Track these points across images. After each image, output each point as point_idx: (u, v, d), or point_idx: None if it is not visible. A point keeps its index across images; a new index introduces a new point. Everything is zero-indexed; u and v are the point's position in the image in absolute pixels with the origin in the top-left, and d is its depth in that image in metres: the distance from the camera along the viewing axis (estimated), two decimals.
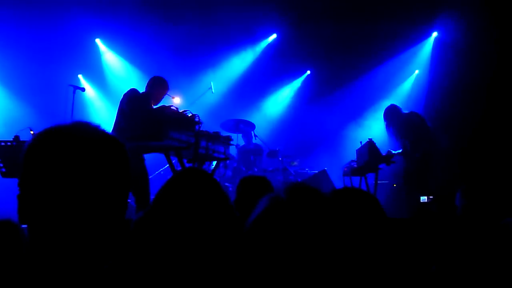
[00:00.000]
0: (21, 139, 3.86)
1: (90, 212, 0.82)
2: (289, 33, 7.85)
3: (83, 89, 5.70)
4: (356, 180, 5.66)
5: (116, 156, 0.89)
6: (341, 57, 7.54)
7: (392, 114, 5.11)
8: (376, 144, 5.07)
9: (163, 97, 4.54)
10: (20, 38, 7.03)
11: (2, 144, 3.84)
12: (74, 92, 5.26)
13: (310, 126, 8.03)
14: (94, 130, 0.88)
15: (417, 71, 8.18)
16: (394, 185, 6.56)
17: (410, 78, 8.26)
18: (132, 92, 4.23)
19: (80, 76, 8.00)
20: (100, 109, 8.10)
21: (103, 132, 0.89)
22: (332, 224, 0.86)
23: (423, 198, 4.59)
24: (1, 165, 3.85)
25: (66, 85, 5.46)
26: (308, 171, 6.99)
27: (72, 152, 0.82)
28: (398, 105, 5.35)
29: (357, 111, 8.04)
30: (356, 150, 5.59)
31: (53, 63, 7.25)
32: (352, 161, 5.68)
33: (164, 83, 4.51)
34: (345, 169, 5.78)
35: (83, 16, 7.04)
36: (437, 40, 7.76)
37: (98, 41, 7.95)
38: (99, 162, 0.84)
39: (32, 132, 4.05)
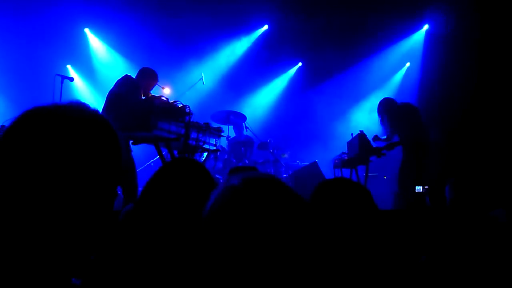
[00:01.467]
0: None
1: (70, 200, 0.75)
2: (281, 24, 7.80)
3: (71, 79, 5.60)
4: (346, 172, 5.67)
5: (105, 139, 0.79)
6: (332, 49, 7.52)
7: (386, 107, 5.11)
8: (367, 137, 5.08)
9: (152, 88, 4.49)
10: (7, 26, 6.87)
11: None
12: (62, 82, 5.17)
13: (301, 118, 8.03)
14: (82, 110, 0.80)
15: (408, 64, 8.20)
16: (385, 177, 6.60)
17: (401, 71, 8.28)
18: (124, 79, 4.19)
19: (68, 66, 7.87)
20: (89, 99, 7.99)
21: (92, 112, 0.81)
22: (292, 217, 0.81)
23: (418, 188, 4.61)
24: None
25: (54, 75, 5.35)
26: (299, 163, 6.99)
27: (53, 133, 0.74)
28: (391, 97, 5.34)
29: (348, 103, 8.05)
30: (347, 142, 5.60)
31: (41, 53, 7.10)
32: (343, 153, 5.69)
33: (154, 74, 4.47)
34: (336, 161, 5.79)
35: (72, 4, 6.90)
36: (428, 32, 7.77)
37: (87, 30, 7.82)
38: (84, 144, 0.76)
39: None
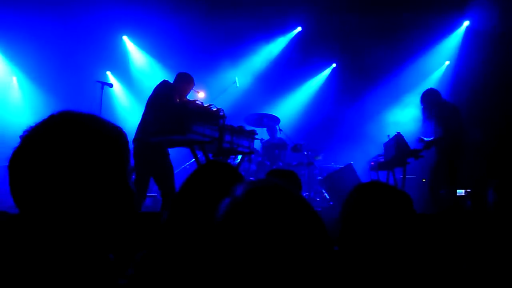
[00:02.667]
0: None
1: (82, 200, 0.82)
2: (315, 25, 7.75)
3: (110, 85, 5.80)
4: (383, 175, 5.55)
5: (105, 144, 0.88)
6: (367, 50, 7.39)
7: (428, 98, 4.95)
8: (405, 138, 4.95)
9: (188, 93, 4.58)
10: (52, 37, 7.22)
11: None
12: (102, 88, 5.36)
13: (336, 120, 7.93)
14: (86, 118, 0.89)
15: (447, 62, 7.92)
16: (424, 180, 6.39)
17: (440, 69, 8.01)
18: (162, 84, 4.30)
19: (108, 72, 8.18)
20: (127, 105, 8.26)
21: (94, 119, 0.89)
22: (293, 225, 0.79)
23: (460, 192, 4.44)
24: None
25: (94, 82, 5.57)
26: (334, 165, 6.91)
27: (66, 138, 0.83)
28: (437, 90, 5.16)
29: (384, 104, 7.87)
30: (384, 144, 5.47)
31: (83, 60, 7.43)
32: (379, 155, 5.57)
33: (190, 79, 4.55)
34: (372, 163, 5.67)
35: (110, 12, 7.16)
36: (468, 29, 7.48)
37: (125, 38, 8.09)
38: (91, 150, 0.84)
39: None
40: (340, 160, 6.98)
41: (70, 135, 0.84)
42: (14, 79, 7.86)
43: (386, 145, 5.37)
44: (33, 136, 0.85)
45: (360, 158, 6.50)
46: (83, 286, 0.78)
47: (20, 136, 0.88)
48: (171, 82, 4.45)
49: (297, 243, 0.77)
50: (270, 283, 0.74)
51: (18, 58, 7.56)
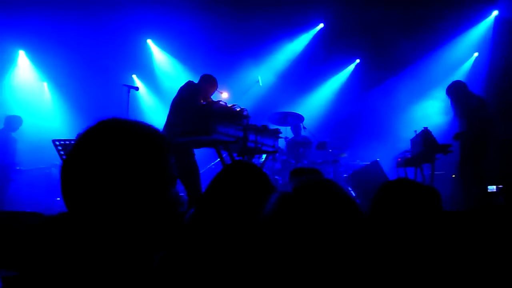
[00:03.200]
0: None
1: (126, 201, 0.86)
2: (337, 21, 7.67)
3: (136, 88, 5.92)
4: (410, 171, 5.44)
5: (150, 147, 0.92)
6: (392, 43, 7.25)
7: (453, 90, 4.85)
8: (432, 133, 4.84)
9: (212, 94, 4.63)
10: (80, 44, 7.45)
11: (67, 142, 4.14)
12: (128, 92, 5.48)
13: (361, 116, 7.83)
14: (134, 123, 0.93)
15: (476, 54, 7.68)
16: (453, 176, 6.23)
17: (468, 61, 7.77)
18: (187, 84, 4.37)
19: (134, 76, 8.35)
20: (153, 107, 8.41)
21: (139, 124, 0.94)
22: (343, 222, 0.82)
23: (492, 188, 4.32)
24: None
25: (121, 85, 5.70)
26: (359, 162, 6.82)
27: (113, 143, 0.88)
28: (463, 81, 5.04)
29: (410, 98, 7.71)
30: (411, 139, 5.37)
31: (110, 65, 7.63)
32: (406, 151, 5.47)
33: (214, 81, 4.59)
34: (399, 159, 5.58)
35: (135, 16, 7.32)
36: (497, 19, 7.22)
37: (149, 41, 8.24)
38: (134, 152, 0.88)
39: None
40: (366, 157, 6.88)
41: (118, 139, 0.89)
42: (45, 84, 8.14)
43: (413, 140, 5.27)
44: (84, 141, 0.90)
45: (387, 154, 6.39)
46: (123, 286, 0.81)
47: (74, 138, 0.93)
48: (196, 82, 4.51)
49: (342, 235, 0.81)
50: (317, 272, 0.78)
51: (48, 64, 7.82)
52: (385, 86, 7.77)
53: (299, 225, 0.81)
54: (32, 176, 6.69)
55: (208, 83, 4.56)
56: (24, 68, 7.90)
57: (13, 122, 6.38)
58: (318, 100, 8.50)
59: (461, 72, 7.77)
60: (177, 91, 4.45)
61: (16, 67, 7.83)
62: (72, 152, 0.89)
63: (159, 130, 0.97)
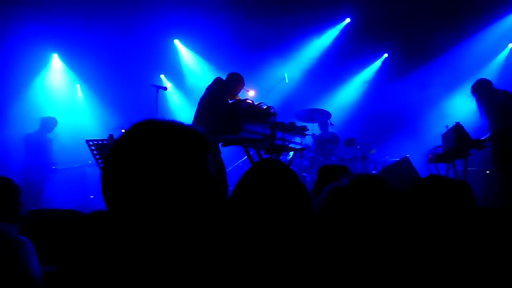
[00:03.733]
0: (114, 138, 4.25)
1: (167, 200, 0.87)
2: (364, 15, 7.54)
3: (165, 88, 6.03)
4: (442, 168, 5.31)
5: (195, 145, 0.94)
6: (421, 36, 7.07)
7: (478, 88, 4.73)
8: (465, 128, 4.71)
9: (239, 92, 4.65)
10: (110, 46, 7.65)
11: (100, 142, 4.28)
12: (157, 92, 5.59)
13: (389, 111, 7.68)
14: (173, 123, 0.96)
15: (511, 44, 7.38)
16: (488, 172, 6.03)
17: (503, 53, 7.49)
18: (215, 82, 4.42)
19: (162, 76, 8.50)
20: (181, 106, 8.54)
21: (181, 124, 0.96)
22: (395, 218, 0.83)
23: None
24: (100, 161, 4.27)
25: (150, 86, 5.82)
26: (389, 158, 6.71)
27: (153, 143, 0.90)
28: (488, 79, 4.90)
29: (441, 92, 7.50)
30: (442, 135, 5.25)
31: (139, 66, 7.81)
32: (437, 146, 5.35)
33: (240, 78, 4.61)
34: (430, 155, 5.45)
35: (162, 18, 7.45)
36: None
37: (176, 41, 8.37)
38: (178, 150, 0.90)
39: (123, 131, 4.45)
40: (395, 153, 6.76)
41: (158, 138, 0.91)
42: (78, 86, 8.41)
43: (445, 136, 5.14)
44: (124, 142, 0.92)
45: (417, 150, 6.26)
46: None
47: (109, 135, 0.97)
48: (224, 80, 4.55)
49: (393, 228, 0.83)
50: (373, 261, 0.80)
51: (80, 67, 8.07)
52: (414, 80, 7.59)
53: (359, 220, 0.83)
54: (67, 175, 6.94)
55: (235, 81, 4.59)
56: (57, 70, 8.18)
57: (48, 123, 6.62)
58: (345, 96, 8.40)
59: (495, 64, 7.49)
60: (204, 90, 4.50)
61: (50, 69, 8.12)
62: (113, 152, 0.92)
63: (199, 129, 0.98)
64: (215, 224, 0.97)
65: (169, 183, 0.88)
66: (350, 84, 8.49)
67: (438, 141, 5.36)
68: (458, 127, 4.72)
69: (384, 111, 7.71)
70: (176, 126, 0.95)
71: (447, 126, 5.09)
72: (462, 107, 6.66)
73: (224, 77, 4.67)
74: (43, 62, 7.97)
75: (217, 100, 4.24)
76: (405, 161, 5.68)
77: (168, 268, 0.85)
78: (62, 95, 8.16)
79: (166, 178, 0.88)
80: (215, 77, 4.61)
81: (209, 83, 4.55)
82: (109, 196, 0.90)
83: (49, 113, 7.00)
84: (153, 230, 0.86)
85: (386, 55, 8.25)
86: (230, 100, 4.48)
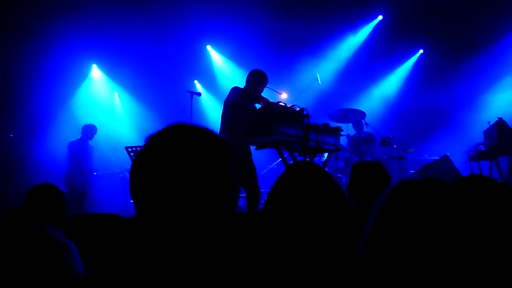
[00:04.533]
0: None
1: (199, 204, 0.88)
2: (396, 12, 7.38)
3: (199, 94, 6.15)
4: (485, 165, 5.10)
5: (214, 152, 0.94)
6: (458, 31, 6.82)
7: None
8: (508, 123, 4.51)
9: (263, 89, 4.53)
10: (145, 54, 7.90)
11: (138, 149, 4.41)
12: (191, 97, 5.71)
13: (427, 109, 7.45)
14: (198, 129, 0.96)
15: None
16: None
17: None
18: (233, 91, 4.41)
19: (196, 81, 8.67)
20: (214, 111, 8.66)
21: (205, 130, 0.97)
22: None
23: None
24: None
25: (185, 92, 5.96)
26: (428, 157, 6.52)
27: (179, 149, 0.91)
28: None
29: (481, 87, 7.20)
30: (484, 131, 5.04)
31: (173, 73, 8.01)
32: (479, 144, 5.14)
33: (262, 76, 4.49)
34: (471, 153, 5.25)
35: (195, 26, 7.61)
36: None
37: (209, 47, 8.51)
38: (202, 156, 0.91)
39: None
40: (434, 152, 6.56)
41: (186, 143, 0.92)
42: (116, 94, 8.72)
43: (487, 132, 4.94)
44: (152, 145, 0.93)
45: (457, 148, 6.04)
46: None
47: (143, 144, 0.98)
48: (241, 88, 4.48)
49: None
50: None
51: (118, 75, 8.37)
52: (452, 75, 7.33)
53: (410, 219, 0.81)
54: (108, 181, 7.20)
55: (257, 78, 4.47)
56: (97, 80, 8.52)
57: (88, 131, 6.89)
58: (380, 94, 8.23)
59: None
60: (229, 93, 4.50)
61: (90, 79, 8.47)
62: (141, 155, 0.93)
63: (220, 135, 0.99)
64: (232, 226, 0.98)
65: (195, 188, 0.89)
66: (385, 82, 8.31)
67: (480, 138, 5.16)
68: (501, 122, 4.54)
69: (422, 109, 7.50)
70: (204, 132, 0.96)
71: (489, 122, 4.90)
72: (504, 101, 6.37)
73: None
74: (84, 73, 8.33)
75: (244, 105, 4.26)
76: (446, 160, 5.50)
77: (199, 269, 0.87)
78: (101, 103, 8.49)
79: (193, 181, 0.89)
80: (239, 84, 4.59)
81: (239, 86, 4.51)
82: (135, 199, 0.92)
83: (89, 121, 7.29)
84: (180, 233, 0.88)
85: (421, 51, 8.02)
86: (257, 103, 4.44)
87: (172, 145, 0.91)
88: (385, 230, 0.83)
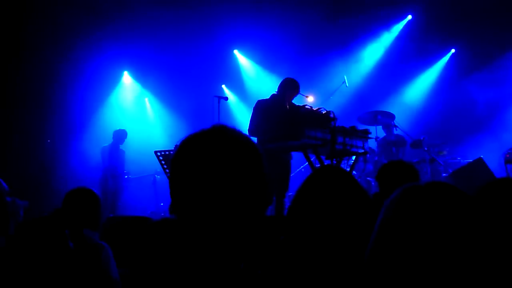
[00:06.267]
0: None
1: (232, 207, 0.90)
2: (426, 11, 7.22)
3: (226, 98, 6.21)
4: None
5: (250, 155, 0.95)
6: (491, 29, 6.60)
7: None
8: None
9: (294, 97, 4.64)
10: (174, 60, 8.07)
11: (167, 153, 4.52)
12: (219, 102, 5.78)
13: (459, 110, 7.24)
14: (231, 132, 0.98)
15: None
16: None
17: None
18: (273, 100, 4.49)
19: (223, 86, 8.77)
20: (242, 115, 8.72)
21: (238, 133, 0.98)
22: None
23: None
24: (167, 170, 4.52)
25: (212, 96, 6.04)
26: (461, 160, 6.31)
27: (211, 153, 0.92)
28: None
29: None
30: None
31: (201, 78, 8.15)
32: None
33: (294, 84, 4.60)
34: (507, 155, 5.07)
35: (223, 31, 7.71)
36: None
37: (236, 52, 8.59)
38: (235, 159, 0.92)
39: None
40: (468, 155, 6.35)
41: (224, 144, 0.93)
42: (146, 100, 8.95)
43: None
44: (190, 146, 0.95)
45: (492, 150, 5.83)
46: None
47: (176, 146, 1.00)
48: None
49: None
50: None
51: (148, 82, 8.59)
52: (486, 74, 7.09)
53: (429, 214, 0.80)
54: (139, 184, 7.38)
55: (289, 86, 4.56)
56: (128, 86, 8.77)
57: (120, 136, 7.10)
58: (410, 96, 8.06)
59: None
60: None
61: (121, 86, 8.73)
62: (177, 156, 0.95)
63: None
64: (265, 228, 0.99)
65: (236, 188, 0.90)
66: (415, 83, 8.13)
67: None
68: None
69: (454, 110, 7.29)
70: (240, 135, 0.97)
71: None
72: None
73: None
74: (116, 80, 8.59)
75: (272, 110, 4.31)
76: (479, 163, 5.31)
77: (234, 270, 0.89)
78: (132, 109, 8.73)
79: (234, 183, 0.90)
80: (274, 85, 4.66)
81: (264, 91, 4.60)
82: (176, 200, 0.94)
83: (120, 125, 7.50)
84: (218, 233, 0.90)
85: (453, 50, 7.80)
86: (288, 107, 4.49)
87: (216, 147, 0.92)
88: (389, 234, 0.82)
